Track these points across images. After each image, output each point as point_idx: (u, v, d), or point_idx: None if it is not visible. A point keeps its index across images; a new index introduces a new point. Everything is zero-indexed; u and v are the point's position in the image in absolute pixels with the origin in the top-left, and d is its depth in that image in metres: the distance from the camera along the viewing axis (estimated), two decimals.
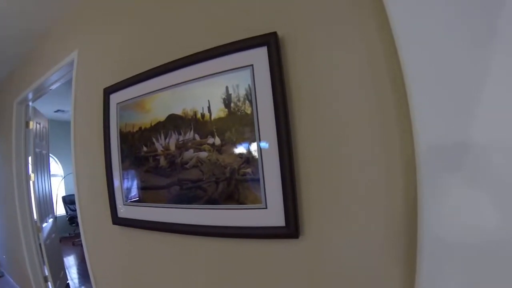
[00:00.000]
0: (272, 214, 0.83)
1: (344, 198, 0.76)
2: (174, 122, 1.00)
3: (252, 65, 0.86)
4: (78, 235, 4.89)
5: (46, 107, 3.76)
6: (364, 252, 0.73)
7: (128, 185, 1.19)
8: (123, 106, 1.20)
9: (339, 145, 0.77)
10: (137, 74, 1.14)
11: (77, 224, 4.64)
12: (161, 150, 1.04)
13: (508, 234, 0.57)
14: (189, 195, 0.97)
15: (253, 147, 0.85)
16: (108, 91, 1.28)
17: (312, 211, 0.81)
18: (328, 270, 0.78)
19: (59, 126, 4.76)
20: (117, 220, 1.26)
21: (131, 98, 1.16)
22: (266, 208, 0.84)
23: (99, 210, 1.41)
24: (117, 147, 1.22)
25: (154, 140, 1.06)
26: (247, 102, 0.86)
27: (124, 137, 1.18)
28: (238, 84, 0.87)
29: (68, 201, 4.91)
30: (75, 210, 4.87)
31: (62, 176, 5.19)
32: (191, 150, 0.95)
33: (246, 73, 0.86)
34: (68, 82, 2.03)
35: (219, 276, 0.96)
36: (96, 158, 1.41)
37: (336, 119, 0.78)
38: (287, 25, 0.86)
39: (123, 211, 1.23)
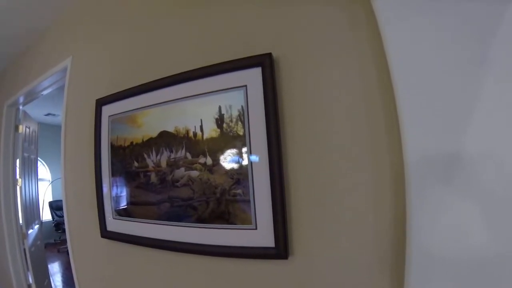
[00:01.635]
0: (262, 235, 0.83)
1: (332, 218, 0.77)
2: (166, 139, 0.99)
3: (245, 85, 0.86)
4: (63, 242, 4.80)
5: (37, 110, 3.69)
6: (352, 271, 0.75)
7: (118, 199, 1.17)
8: (115, 119, 1.19)
9: (328, 166, 0.79)
10: (130, 88, 1.13)
11: (63, 231, 4.55)
12: (152, 167, 1.03)
13: (497, 249, 0.58)
14: (179, 213, 0.96)
15: (244, 168, 0.85)
16: (101, 103, 1.27)
17: (301, 232, 0.81)
18: None
19: (49, 130, 4.67)
20: (105, 233, 1.24)
21: (123, 112, 1.15)
22: (256, 228, 0.84)
23: (87, 222, 1.38)
24: (108, 160, 1.21)
25: (145, 155, 1.05)
26: (239, 123, 0.86)
27: (115, 150, 1.17)
28: (231, 104, 0.87)
29: (55, 206, 4.80)
30: (61, 216, 4.77)
31: (49, 180, 5.07)
32: (183, 169, 0.94)
33: (240, 93, 0.86)
34: (61, 87, 2.01)
35: None
36: (85, 169, 1.39)
37: (327, 141, 0.79)
38: (282, 47, 0.87)
39: (112, 225, 1.21)
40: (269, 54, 0.84)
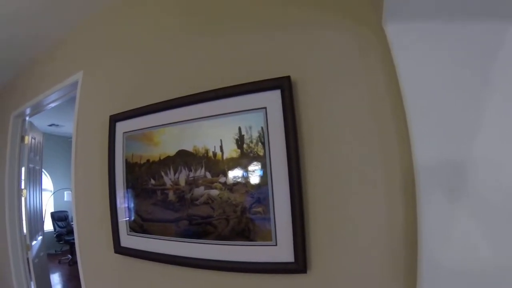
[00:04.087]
0: (282, 251, 0.85)
1: (347, 234, 0.82)
2: (185, 158, 1.01)
3: (265, 107, 0.89)
4: (65, 253, 4.75)
5: (40, 121, 3.67)
6: (367, 284, 0.79)
7: (133, 215, 1.18)
8: (130, 136, 1.21)
9: (344, 186, 0.83)
10: (146, 106, 1.15)
11: (65, 242, 4.52)
12: (170, 185, 1.05)
13: (503, 261, 0.62)
14: (199, 230, 0.98)
15: (265, 187, 0.88)
16: (115, 119, 1.28)
17: (318, 247, 0.85)
18: None
19: (53, 140, 4.66)
20: (119, 249, 1.24)
21: (139, 129, 1.17)
22: (276, 245, 0.87)
23: (99, 238, 1.38)
24: (122, 177, 1.22)
25: (162, 174, 1.07)
26: (260, 144, 0.89)
27: (131, 167, 1.19)
28: (251, 126, 0.90)
29: (57, 217, 4.75)
30: (63, 227, 4.72)
31: (51, 191, 5.03)
32: (202, 187, 0.96)
33: (259, 115, 0.89)
34: (67, 100, 2.03)
35: None
36: (97, 185, 1.40)
37: (342, 161, 0.84)
38: (300, 70, 0.90)
39: (127, 241, 1.21)
40: (288, 77, 0.88)
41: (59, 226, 4.64)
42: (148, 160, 1.12)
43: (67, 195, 4.72)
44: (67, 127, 4.29)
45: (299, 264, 0.83)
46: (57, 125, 4.26)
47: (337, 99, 0.86)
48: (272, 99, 0.88)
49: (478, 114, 0.66)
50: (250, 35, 1.00)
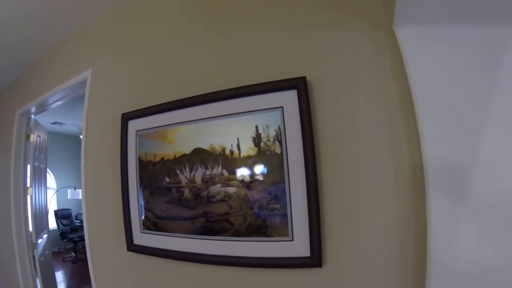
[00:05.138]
0: (298, 246, 0.88)
1: (361, 229, 0.85)
2: (201, 156, 1.03)
3: (282, 107, 0.91)
4: (68, 251, 4.77)
5: (43, 119, 3.66)
6: (378, 276, 0.83)
7: (147, 213, 1.20)
8: (143, 135, 1.22)
9: (357, 180, 0.86)
10: (161, 104, 1.16)
11: (69, 240, 4.53)
12: (186, 183, 1.06)
13: (505, 261, 0.65)
14: (215, 227, 1.00)
15: (281, 184, 0.90)
16: (127, 117, 1.29)
17: (333, 242, 0.88)
18: None
19: (56, 138, 4.66)
20: (132, 246, 1.26)
21: (152, 128, 1.19)
22: (292, 240, 0.89)
23: (110, 236, 1.39)
24: (136, 175, 1.23)
25: (178, 172, 1.08)
26: (276, 142, 0.91)
27: (144, 165, 1.20)
28: (268, 124, 0.92)
29: (60, 215, 4.75)
30: (67, 225, 4.73)
31: (54, 189, 5.03)
32: (219, 185, 0.98)
33: (276, 114, 0.91)
34: (72, 98, 2.02)
35: None
36: (108, 183, 1.40)
37: (355, 158, 0.87)
38: (315, 70, 0.92)
39: (140, 239, 1.23)
40: (304, 78, 0.90)
41: (62, 224, 4.65)
42: (162, 158, 1.14)
43: (70, 193, 4.72)
44: (70, 125, 4.28)
45: (315, 258, 0.85)
46: (60, 123, 4.24)
47: (351, 99, 0.89)
48: (289, 99, 0.90)
49: (483, 117, 0.69)
50: (267, 35, 1.01)
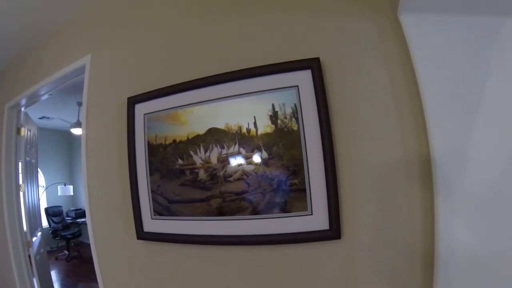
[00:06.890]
0: (317, 219, 0.91)
1: (375, 202, 0.90)
2: (216, 136, 1.03)
3: (297, 86, 0.92)
4: (61, 249, 4.62)
5: (31, 113, 3.51)
6: (390, 247, 0.89)
7: (158, 198, 1.18)
8: (152, 117, 1.20)
9: (369, 156, 0.91)
10: (173, 85, 1.14)
11: (61, 237, 4.39)
12: (201, 163, 1.06)
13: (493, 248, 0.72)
14: (232, 207, 1.00)
15: (299, 160, 0.91)
16: (133, 101, 1.26)
17: (350, 215, 0.92)
18: (365, 264, 0.91)
19: (44, 134, 4.45)
20: (142, 234, 1.23)
21: (163, 110, 1.17)
22: (311, 214, 0.91)
23: (117, 225, 1.34)
24: (145, 160, 1.21)
25: (192, 153, 1.08)
26: (293, 119, 0.92)
27: (154, 149, 1.18)
28: (284, 103, 0.93)
29: (51, 213, 4.59)
30: (58, 223, 4.58)
31: (43, 186, 4.85)
32: (236, 164, 0.99)
33: (292, 93, 0.93)
34: (58, 91, 1.94)
35: (264, 283, 1.00)
36: (114, 171, 1.37)
37: (366, 134, 0.91)
38: (327, 52, 0.96)
39: (151, 225, 1.21)
40: (317, 59, 0.92)
41: (54, 222, 4.50)
42: (174, 140, 1.13)
43: (60, 190, 4.57)
44: (58, 119, 4.12)
45: (334, 231, 0.89)
46: (48, 118, 4.07)
47: (360, 80, 0.94)
48: (304, 78, 0.92)
49: (479, 94, 0.75)
50: (282, 17, 1.02)
